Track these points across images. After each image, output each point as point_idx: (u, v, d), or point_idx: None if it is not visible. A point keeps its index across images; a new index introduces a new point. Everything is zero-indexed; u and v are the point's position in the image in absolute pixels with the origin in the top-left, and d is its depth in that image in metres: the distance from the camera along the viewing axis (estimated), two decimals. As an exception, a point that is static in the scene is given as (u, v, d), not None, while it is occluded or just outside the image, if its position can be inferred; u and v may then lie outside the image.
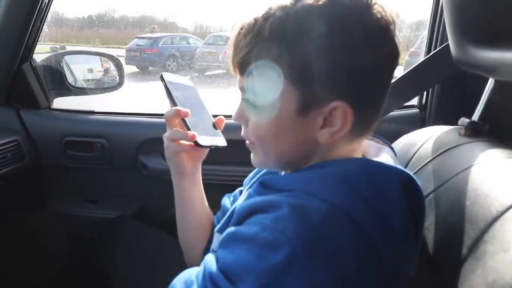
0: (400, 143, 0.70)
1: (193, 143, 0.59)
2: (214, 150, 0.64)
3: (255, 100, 0.48)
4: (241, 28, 0.47)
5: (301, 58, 0.43)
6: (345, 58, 0.43)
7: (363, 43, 0.43)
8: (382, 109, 0.48)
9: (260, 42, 0.44)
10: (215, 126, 0.65)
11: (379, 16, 0.44)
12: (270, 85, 0.45)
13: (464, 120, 0.64)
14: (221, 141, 0.64)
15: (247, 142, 0.54)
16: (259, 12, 0.45)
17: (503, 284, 0.34)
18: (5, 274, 1.11)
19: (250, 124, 0.51)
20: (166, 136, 0.61)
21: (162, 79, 0.61)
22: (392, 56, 0.46)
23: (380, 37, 0.44)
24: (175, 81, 0.63)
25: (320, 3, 0.43)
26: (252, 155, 0.54)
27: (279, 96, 0.45)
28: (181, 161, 0.63)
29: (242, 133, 0.54)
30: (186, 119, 0.59)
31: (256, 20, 0.45)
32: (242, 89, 0.50)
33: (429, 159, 0.61)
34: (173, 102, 0.60)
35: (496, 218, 0.40)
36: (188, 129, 0.58)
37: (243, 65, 0.47)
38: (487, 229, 0.40)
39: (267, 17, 0.44)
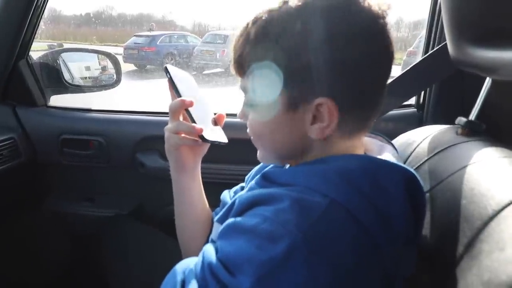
0: (397, 142, 0.70)
1: (197, 137, 0.58)
2: (213, 148, 0.64)
3: (249, 100, 0.51)
4: (238, 32, 0.49)
5: (284, 56, 0.44)
6: (326, 54, 0.43)
7: (344, 39, 0.43)
8: (380, 106, 0.48)
9: (248, 45, 0.47)
10: (215, 122, 0.64)
11: (363, 13, 0.43)
12: (259, 85, 0.48)
13: (461, 119, 0.64)
14: (223, 137, 0.63)
15: (252, 138, 0.55)
16: (251, 16, 0.48)
17: (499, 283, 0.34)
18: (1, 272, 1.11)
19: (248, 122, 0.53)
20: (169, 128, 0.60)
21: (166, 71, 0.60)
22: (382, 51, 0.45)
23: (365, 33, 0.44)
24: (178, 74, 0.63)
25: (299, 3, 0.44)
26: (258, 150, 0.56)
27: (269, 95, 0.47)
28: (181, 155, 0.62)
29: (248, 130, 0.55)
30: (192, 112, 0.58)
31: (247, 24, 0.48)
32: (242, 89, 0.52)
33: (426, 158, 0.61)
34: (178, 94, 0.59)
35: (492, 217, 0.40)
36: (193, 121, 0.57)
37: (238, 67, 0.50)
38: (483, 228, 0.40)
39: (255, 20, 0.47)
